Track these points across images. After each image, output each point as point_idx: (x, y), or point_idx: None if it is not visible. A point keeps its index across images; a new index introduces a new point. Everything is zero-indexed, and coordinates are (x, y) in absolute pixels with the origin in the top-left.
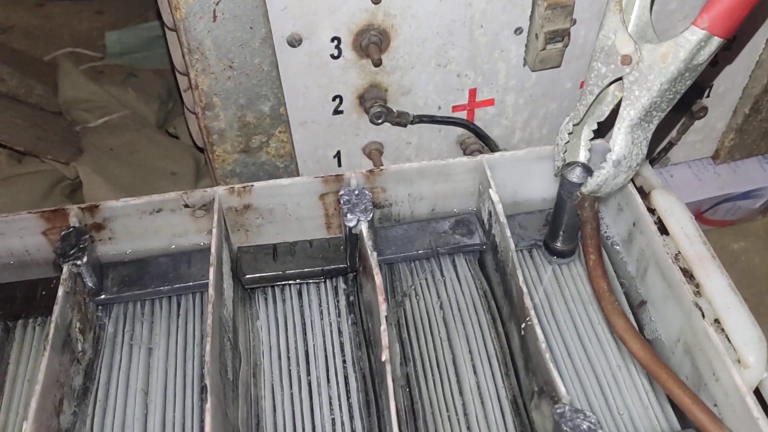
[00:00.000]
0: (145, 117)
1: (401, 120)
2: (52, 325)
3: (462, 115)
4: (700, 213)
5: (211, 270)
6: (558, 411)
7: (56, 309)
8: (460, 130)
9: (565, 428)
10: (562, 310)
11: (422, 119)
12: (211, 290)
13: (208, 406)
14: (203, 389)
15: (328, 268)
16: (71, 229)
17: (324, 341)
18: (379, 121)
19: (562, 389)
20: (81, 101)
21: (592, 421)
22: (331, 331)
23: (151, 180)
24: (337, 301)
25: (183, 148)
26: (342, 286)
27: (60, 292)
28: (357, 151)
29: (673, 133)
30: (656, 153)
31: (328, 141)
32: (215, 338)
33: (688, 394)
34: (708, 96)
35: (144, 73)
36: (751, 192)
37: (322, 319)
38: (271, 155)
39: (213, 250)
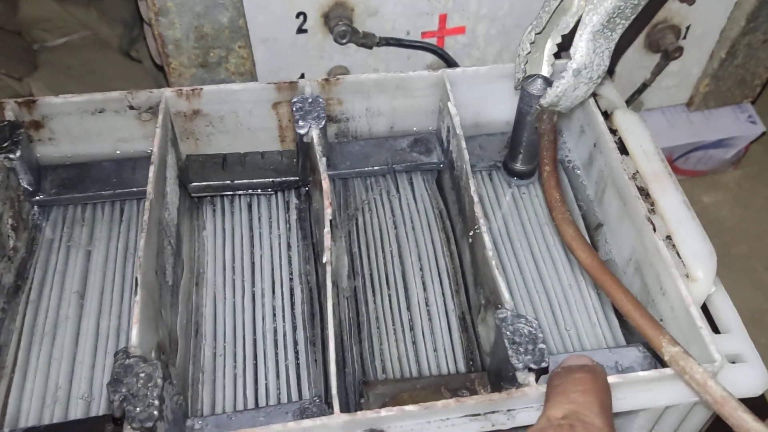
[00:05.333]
0: (106, 40)
1: (367, 41)
2: None
3: (431, 42)
4: (672, 161)
5: (152, 168)
6: (500, 316)
7: None
8: (429, 58)
9: (506, 332)
10: (519, 231)
11: (389, 42)
12: (149, 188)
13: (137, 298)
14: (136, 282)
15: (279, 180)
16: (5, 123)
17: (271, 254)
18: (344, 40)
19: (505, 294)
20: (41, 20)
21: (534, 326)
22: (279, 244)
23: None
24: (288, 216)
25: (144, 71)
26: (294, 200)
27: None
28: (322, 75)
29: (647, 74)
30: (630, 95)
31: (291, 62)
32: (151, 236)
33: (631, 301)
34: (685, 38)
35: None
36: (723, 141)
37: (271, 232)
38: (230, 72)
39: (155, 149)
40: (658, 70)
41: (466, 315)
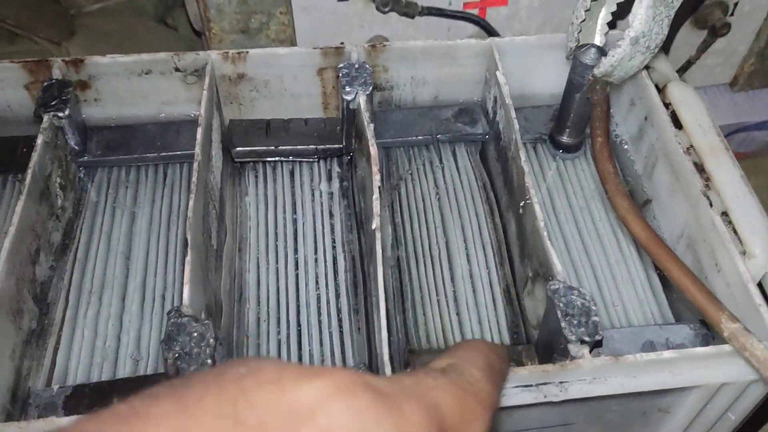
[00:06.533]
0: (142, 7)
1: (409, 11)
2: (29, 172)
3: (473, 13)
4: None
5: (199, 130)
6: (552, 288)
7: (34, 156)
8: (470, 30)
9: (558, 303)
10: (564, 205)
11: (431, 11)
12: (197, 149)
13: (188, 258)
14: (185, 243)
15: (322, 147)
16: (54, 81)
17: (314, 222)
18: (387, 9)
19: (557, 266)
20: None
21: (587, 297)
22: (321, 212)
23: None
24: (330, 184)
25: (180, 39)
26: (336, 169)
27: (39, 140)
28: (361, 44)
29: (692, 51)
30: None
31: (332, 30)
32: (199, 198)
33: (688, 276)
34: (732, 14)
35: None
36: (766, 122)
37: (313, 200)
38: (271, 39)
39: (202, 111)
40: (704, 47)
41: (510, 288)
